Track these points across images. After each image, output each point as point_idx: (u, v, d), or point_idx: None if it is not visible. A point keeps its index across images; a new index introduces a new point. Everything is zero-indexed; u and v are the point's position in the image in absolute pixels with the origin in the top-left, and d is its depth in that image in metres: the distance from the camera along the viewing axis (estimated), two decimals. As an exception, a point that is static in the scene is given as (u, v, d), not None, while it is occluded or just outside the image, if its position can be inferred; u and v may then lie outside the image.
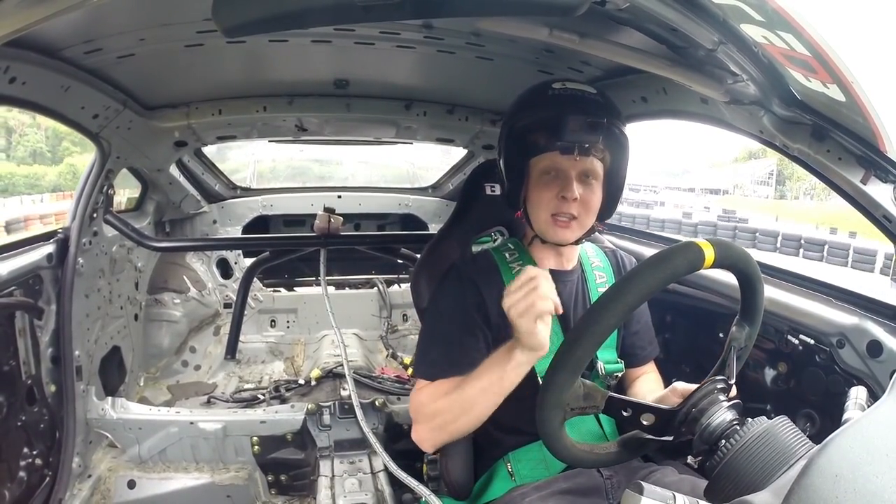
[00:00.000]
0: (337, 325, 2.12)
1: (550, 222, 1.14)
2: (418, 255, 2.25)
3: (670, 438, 0.83)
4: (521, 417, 0.96)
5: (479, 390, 1.00)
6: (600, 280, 1.26)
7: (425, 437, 1.10)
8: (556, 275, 1.21)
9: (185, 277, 2.72)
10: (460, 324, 1.14)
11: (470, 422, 1.04)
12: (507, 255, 1.23)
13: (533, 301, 0.90)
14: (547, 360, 0.82)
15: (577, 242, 1.19)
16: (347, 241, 2.48)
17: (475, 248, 1.45)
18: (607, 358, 1.21)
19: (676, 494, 0.63)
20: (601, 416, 1.19)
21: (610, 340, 1.23)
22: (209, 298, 2.79)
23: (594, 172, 1.13)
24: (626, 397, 0.88)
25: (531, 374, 1.00)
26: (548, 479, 1.10)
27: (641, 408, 0.84)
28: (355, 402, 1.79)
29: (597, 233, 1.41)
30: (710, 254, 0.77)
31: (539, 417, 0.79)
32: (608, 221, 1.25)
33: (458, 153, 2.87)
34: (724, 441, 0.74)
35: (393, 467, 1.37)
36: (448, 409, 1.04)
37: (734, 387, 0.85)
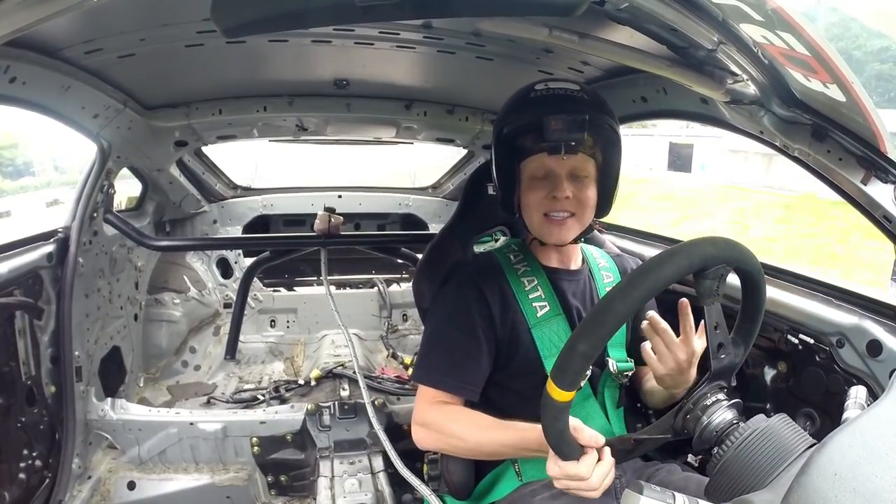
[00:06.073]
0: (344, 325, 2.12)
1: (544, 223, 1.13)
2: (418, 255, 2.25)
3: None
4: (529, 417, 0.95)
5: (491, 449, 1.04)
6: (608, 280, 1.26)
7: (426, 444, 1.13)
8: (562, 274, 1.22)
9: (185, 277, 2.72)
10: (461, 329, 1.13)
11: (472, 455, 1.10)
12: (511, 256, 1.22)
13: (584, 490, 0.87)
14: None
15: (575, 241, 1.19)
16: (348, 241, 2.48)
17: (477, 248, 1.45)
18: (618, 356, 1.20)
19: (676, 494, 0.63)
20: (609, 415, 1.19)
21: (619, 339, 1.22)
22: (209, 298, 2.79)
23: (585, 170, 1.12)
24: (632, 435, 0.93)
25: (541, 376, 1.00)
26: None
27: (646, 444, 0.90)
28: (367, 400, 1.79)
29: (598, 233, 1.41)
30: (558, 393, 0.74)
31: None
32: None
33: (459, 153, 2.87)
34: (724, 440, 0.74)
35: (400, 466, 1.38)
36: (458, 438, 1.07)
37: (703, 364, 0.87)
